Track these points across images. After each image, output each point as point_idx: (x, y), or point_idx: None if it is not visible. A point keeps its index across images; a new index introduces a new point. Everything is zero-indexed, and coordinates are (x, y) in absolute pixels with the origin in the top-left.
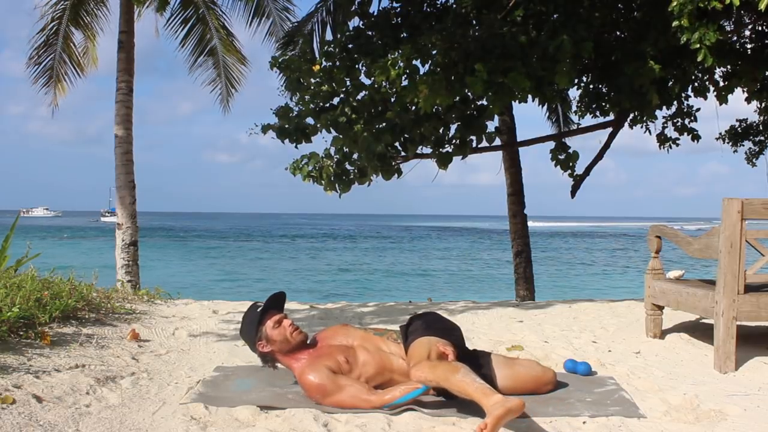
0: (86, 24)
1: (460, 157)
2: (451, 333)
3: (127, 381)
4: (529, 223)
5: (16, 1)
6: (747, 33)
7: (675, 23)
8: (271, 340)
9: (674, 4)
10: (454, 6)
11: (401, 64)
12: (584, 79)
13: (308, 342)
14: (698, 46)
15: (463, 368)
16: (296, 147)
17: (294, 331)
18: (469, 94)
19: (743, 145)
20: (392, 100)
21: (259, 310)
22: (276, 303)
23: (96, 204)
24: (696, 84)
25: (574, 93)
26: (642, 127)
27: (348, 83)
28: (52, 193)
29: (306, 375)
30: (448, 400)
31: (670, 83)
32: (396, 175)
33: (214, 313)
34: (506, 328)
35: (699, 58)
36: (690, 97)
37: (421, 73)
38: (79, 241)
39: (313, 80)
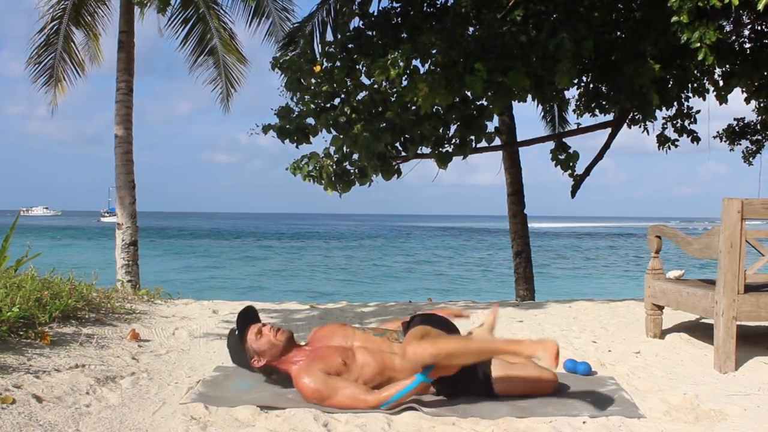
0: (87, 23)
1: (460, 157)
2: (451, 331)
3: (127, 381)
4: (529, 224)
5: (14, 1)
6: (746, 33)
7: (674, 19)
8: (259, 351)
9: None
10: (454, 6)
11: (401, 64)
12: (584, 78)
13: (303, 342)
14: (698, 45)
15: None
16: (297, 147)
17: (277, 333)
18: (469, 94)
19: (740, 144)
20: (392, 99)
21: (236, 331)
22: (248, 318)
23: (96, 204)
24: (695, 84)
25: (571, 92)
26: (640, 127)
27: (348, 83)
28: (52, 193)
29: (300, 379)
30: (448, 400)
31: (670, 83)
32: (396, 175)
33: (214, 313)
34: (506, 328)
35: (699, 57)
36: (690, 97)
37: (421, 72)
38: (79, 241)
39: (313, 80)
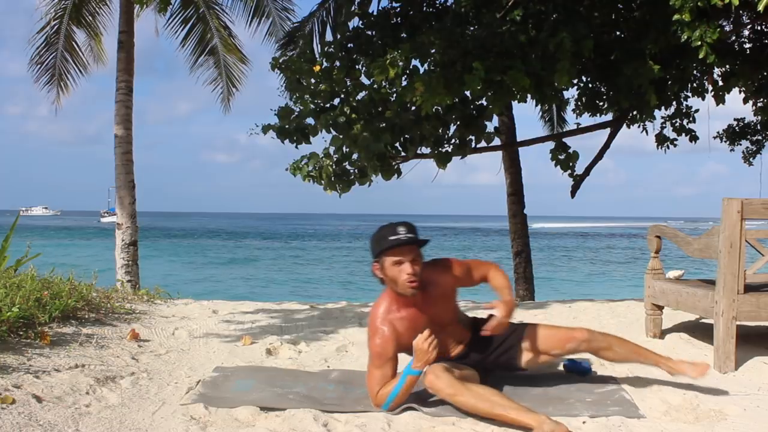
0: (88, 23)
1: (460, 156)
2: None
3: (127, 381)
4: (529, 224)
5: (14, 1)
6: (746, 33)
7: (675, 17)
8: (382, 271)
9: None
10: (453, 6)
11: (400, 63)
12: (583, 78)
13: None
14: (699, 43)
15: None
16: (296, 147)
17: (408, 281)
18: (468, 94)
19: (740, 145)
20: (392, 99)
21: (394, 237)
22: (414, 242)
23: (96, 204)
24: (694, 84)
25: (571, 92)
26: (639, 126)
27: (348, 83)
28: (52, 193)
29: (380, 328)
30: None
31: (669, 83)
32: (396, 175)
33: (214, 313)
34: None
35: (701, 56)
36: (689, 97)
37: (421, 72)
38: (79, 241)
39: (313, 80)
